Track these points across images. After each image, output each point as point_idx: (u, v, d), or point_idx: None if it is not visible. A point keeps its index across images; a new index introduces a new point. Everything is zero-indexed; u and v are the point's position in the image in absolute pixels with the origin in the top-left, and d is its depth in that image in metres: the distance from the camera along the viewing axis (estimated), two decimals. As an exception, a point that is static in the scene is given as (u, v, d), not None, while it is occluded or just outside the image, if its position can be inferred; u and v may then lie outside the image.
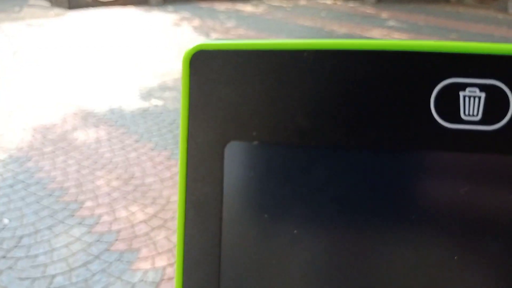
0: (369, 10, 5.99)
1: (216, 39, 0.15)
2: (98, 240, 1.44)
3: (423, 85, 0.13)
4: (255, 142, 0.14)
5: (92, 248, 1.40)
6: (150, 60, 3.41)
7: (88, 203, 1.63)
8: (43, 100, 2.60)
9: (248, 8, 6.14)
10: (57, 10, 5.30)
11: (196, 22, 5.10)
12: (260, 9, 6.05)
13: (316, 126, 0.14)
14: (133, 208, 1.60)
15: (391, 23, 5.14)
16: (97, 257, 1.37)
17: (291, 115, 0.14)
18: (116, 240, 1.44)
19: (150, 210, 1.60)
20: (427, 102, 0.13)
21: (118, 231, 1.48)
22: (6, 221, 1.52)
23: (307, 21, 5.12)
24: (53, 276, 1.29)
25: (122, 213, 1.58)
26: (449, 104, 0.13)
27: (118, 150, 2.02)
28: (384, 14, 5.68)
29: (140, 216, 1.56)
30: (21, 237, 1.44)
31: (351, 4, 6.23)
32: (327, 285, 0.15)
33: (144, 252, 1.39)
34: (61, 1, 5.42)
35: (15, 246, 1.40)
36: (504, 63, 0.13)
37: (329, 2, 6.42)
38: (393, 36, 4.43)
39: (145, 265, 1.34)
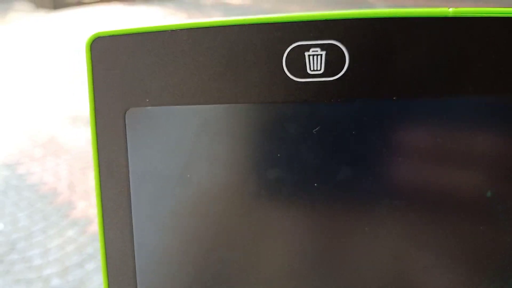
0: (356, -6, 5.97)
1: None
2: (92, 240, 1.46)
3: (276, 49, 0.16)
4: (150, 107, 0.17)
5: (87, 248, 1.42)
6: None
7: (81, 204, 1.65)
8: (32, 104, 2.60)
9: (235, 0, 6.11)
10: (42, 12, 5.27)
11: (182, 16, 5.08)
12: (247, 1, 6.02)
13: (199, 88, 0.17)
14: (126, 206, 1.62)
15: (380, 4, 5.13)
16: (92, 256, 1.39)
17: (178, 81, 0.17)
18: (110, 238, 1.47)
19: (143, 207, 1.62)
20: (280, 63, 0.17)
21: (112, 230, 1.50)
22: (0, 225, 1.54)
23: (296, 9, 5.10)
24: (49, 277, 1.31)
25: (115, 212, 1.60)
26: (298, 62, 0.17)
27: (109, 149, 2.04)
28: (371, -2, 5.67)
29: (133, 214, 1.58)
30: (15, 241, 1.46)
31: (337, -10, 6.21)
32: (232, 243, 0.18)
33: (138, 248, 1.41)
34: (45, 2, 5.38)
35: (11, 250, 1.42)
36: (339, 25, 0.16)
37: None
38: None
39: (139, 261, 1.36)
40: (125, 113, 0.18)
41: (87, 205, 1.64)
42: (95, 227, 1.52)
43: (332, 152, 0.17)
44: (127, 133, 0.18)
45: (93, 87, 0.18)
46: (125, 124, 0.18)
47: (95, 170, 0.18)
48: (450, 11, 0.15)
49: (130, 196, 0.18)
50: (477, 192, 0.16)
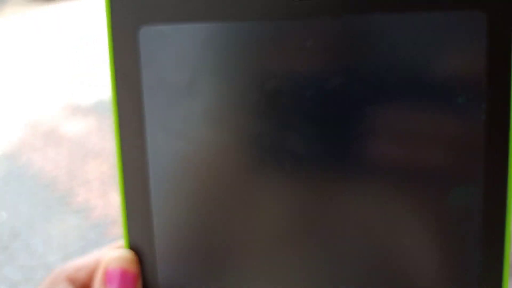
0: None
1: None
2: (95, 226, 1.48)
3: None
4: (161, 25, 0.19)
5: (90, 234, 1.44)
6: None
7: (83, 192, 1.66)
8: (31, 95, 2.61)
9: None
10: (37, 4, 5.24)
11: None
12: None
13: (204, 5, 0.19)
14: (127, 193, 1.63)
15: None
16: (94, 242, 1.40)
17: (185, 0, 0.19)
18: (112, 224, 1.48)
19: (143, 193, 1.63)
20: None
21: (114, 216, 1.52)
22: (4, 214, 1.56)
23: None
24: (53, 263, 1.32)
25: (117, 198, 1.61)
26: None
27: (109, 138, 2.04)
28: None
29: (134, 200, 1.59)
30: (19, 229, 1.48)
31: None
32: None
33: (139, 233, 1.42)
34: (41, -5, 5.35)
35: (14, 238, 1.44)
36: None
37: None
38: None
39: (141, 245, 1.38)
40: (139, 30, 0.19)
41: (88, 193, 1.65)
42: (97, 213, 1.53)
43: (324, 62, 0.18)
44: (140, 48, 0.19)
45: (110, 7, 0.19)
46: (138, 40, 0.19)
47: (112, 83, 0.20)
48: None
49: (144, 105, 0.20)
50: (449, 100, 0.18)
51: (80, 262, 0.21)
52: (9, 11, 4.93)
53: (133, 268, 0.20)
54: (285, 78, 0.19)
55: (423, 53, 0.18)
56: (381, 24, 0.18)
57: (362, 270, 0.19)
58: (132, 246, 0.20)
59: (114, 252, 0.20)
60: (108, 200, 1.61)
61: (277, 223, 0.20)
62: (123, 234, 0.20)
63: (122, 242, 0.21)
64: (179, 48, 0.19)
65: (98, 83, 2.73)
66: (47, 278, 0.21)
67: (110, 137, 2.06)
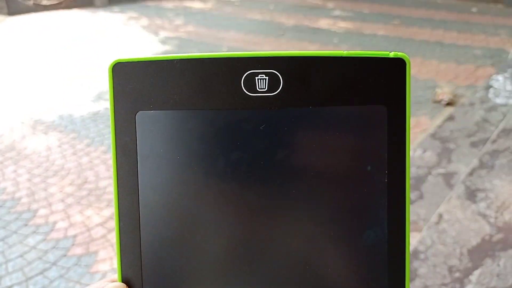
0: (316, 1, 6.10)
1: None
2: (54, 247, 1.43)
3: (237, 74, 0.25)
4: (153, 111, 0.25)
5: (49, 255, 1.39)
6: (97, 62, 3.35)
7: (42, 211, 1.61)
8: (-13, 111, 2.51)
9: (196, 4, 6.11)
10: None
11: (144, 21, 5.03)
12: (208, 5, 6.03)
13: (184, 99, 0.25)
14: (88, 212, 1.60)
15: (337, 12, 5.26)
16: (54, 263, 1.36)
17: (171, 94, 0.25)
18: (73, 245, 1.44)
19: (106, 212, 1.60)
20: (240, 83, 0.25)
21: (75, 236, 1.48)
22: (-45, 236, 1.48)
23: (256, 15, 5.16)
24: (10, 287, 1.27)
25: (78, 218, 1.57)
26: (251, 83, 0.25)
27: (70, 155, 2.00)
28: (330, 4, 5.81)
29: (96, 220, 1.56)
30: (-27, 251, 1.41)
31: (298, -4, 6.29)
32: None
33: (102, 254, 1.39)
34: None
35: (-33, 261, 1.37)
36: (277, 60, 0.25)
37: (276, -5, 6.46)
38: (339, 25, 4.54)
39: (104, 266, 1.35)
40: (135, 114, 0.25)
41: (48, 212, 1.60)
42: (56, 234, 1.49)
43: (272, 141, 0.25)
44: (136, 128, 0.25)
45: (113, 97, 0.25)
46: (135, 122, 0.25)
47: (113, 155, 0.25)
48: (344, 52, 0.25)
49: (138, 172, 0.25)
50: (361, 168, 0.25)
51: None
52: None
53: None
54: (245, 151, 0.25)
55: (339, 136, 0.25)
56: (312, 116, 0.25)
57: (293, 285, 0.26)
58: (124, 279, 0.26)
59: (110, 285, 0.25)
60: (69, 220, 1.56)
61: (249, 259, 0.26)
62: (117, 270, 0.25)
63: (116, 276, 0.26)
64: (166, 128, 0.25)
65: (61, 99, 2.67)
66: None
67: (71, 155, 2.01)
